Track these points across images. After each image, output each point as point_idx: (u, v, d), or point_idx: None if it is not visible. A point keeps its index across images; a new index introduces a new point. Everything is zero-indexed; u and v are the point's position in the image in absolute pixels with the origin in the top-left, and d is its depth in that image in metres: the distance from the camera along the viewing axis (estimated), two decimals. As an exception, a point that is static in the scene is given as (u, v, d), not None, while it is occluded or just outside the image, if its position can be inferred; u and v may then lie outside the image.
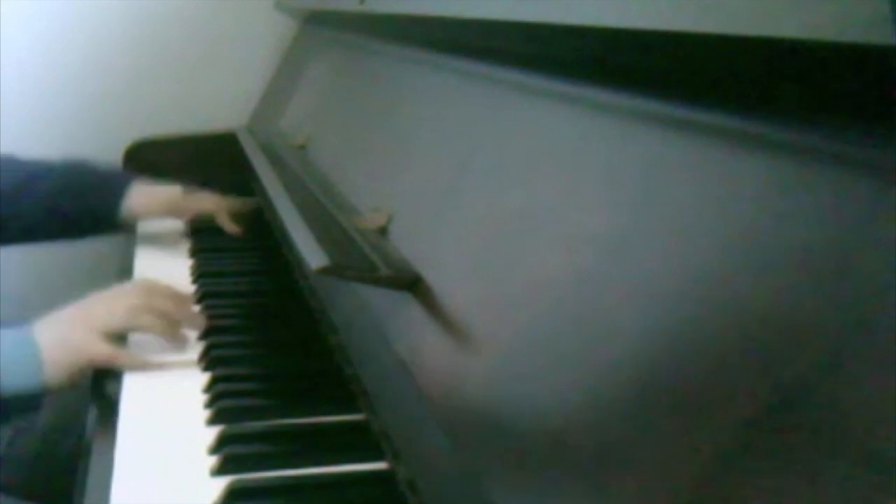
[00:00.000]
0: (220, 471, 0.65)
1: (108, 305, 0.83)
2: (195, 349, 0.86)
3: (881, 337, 0.29)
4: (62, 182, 1.17)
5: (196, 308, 0.95)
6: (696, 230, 0.39)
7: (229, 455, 0.66)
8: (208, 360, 0.83)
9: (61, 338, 0.80)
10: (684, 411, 0.36)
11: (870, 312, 0.29)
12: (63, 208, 1.16)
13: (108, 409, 0.76)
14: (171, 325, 0.85)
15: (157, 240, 1.24)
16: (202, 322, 0.89)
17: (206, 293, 1.02)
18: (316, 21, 1.45)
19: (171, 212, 1.23)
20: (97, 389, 0.81)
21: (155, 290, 0.88)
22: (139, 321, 0.84)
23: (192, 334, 0.88)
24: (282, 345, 0.90)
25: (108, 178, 1.22)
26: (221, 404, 0.75)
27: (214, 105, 1.60)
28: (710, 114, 0.42)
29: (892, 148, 0.31)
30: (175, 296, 0.90)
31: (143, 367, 0.82)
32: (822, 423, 0.30)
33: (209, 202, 1.25)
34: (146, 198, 1.20)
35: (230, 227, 1.23)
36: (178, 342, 0.86)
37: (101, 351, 0.80)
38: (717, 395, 0.34)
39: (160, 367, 0.82)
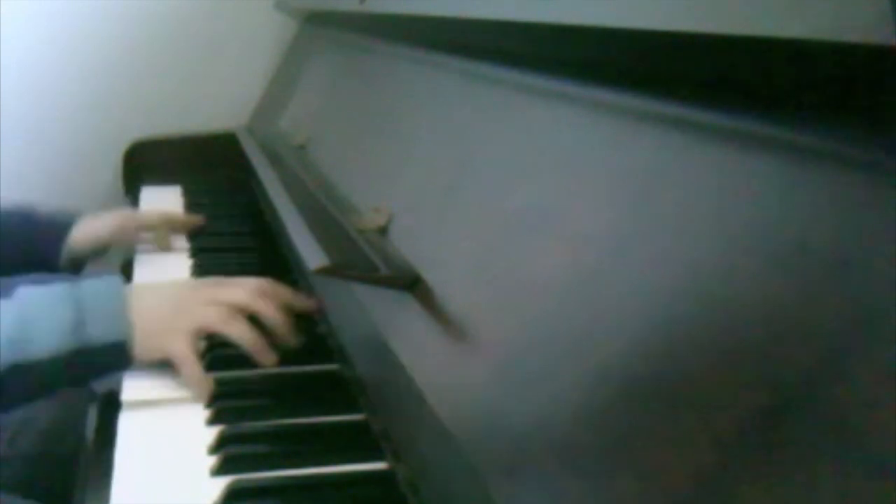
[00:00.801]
0: (220, 471, 0.65)
1: (205, 303, 0.80)
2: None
3: (881, 337, 0.29)
4: (2, 230, 1.12)
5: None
6: (696, 230, 0.39)
7: (229, 455, 0.66)
8: (208, 361, 0.83)
9: (155, 329, 0.78)
10: (684, 411, 0.36)
11: (870, 313, 0.29)
12: (4, 257, 1.11)
13: (109, 409, 0.76)
14: (261, 342, 0.80)
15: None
16: (294, 341, 0.83)
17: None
18: (316, 21, 1.45)
19: (116, 235, 1.17)
20: (97, 389, 0.81)
21: (266, 292, 0.82)
22: (229, 329, 0.79)
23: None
24: (282, 345, 0.90)
25: (50, 222, 1.16)
26: (221, 405, 0.75)
27: (214, 105, 1.60)
28: (710, 114, 0.42)
29: (892, 148, 0.31)
30: (286, 305, 0.84)
31: (201, 384, 0.77)
32: (823, 423, 0.30)
33: (151, 218, 1.21)
34: (87, 229, 1.15)
35: (166, 243, 1.19)
36: (267, 360, 0.80)
37: (179, 353, 0.77)
38: (717, 395, 0.34)
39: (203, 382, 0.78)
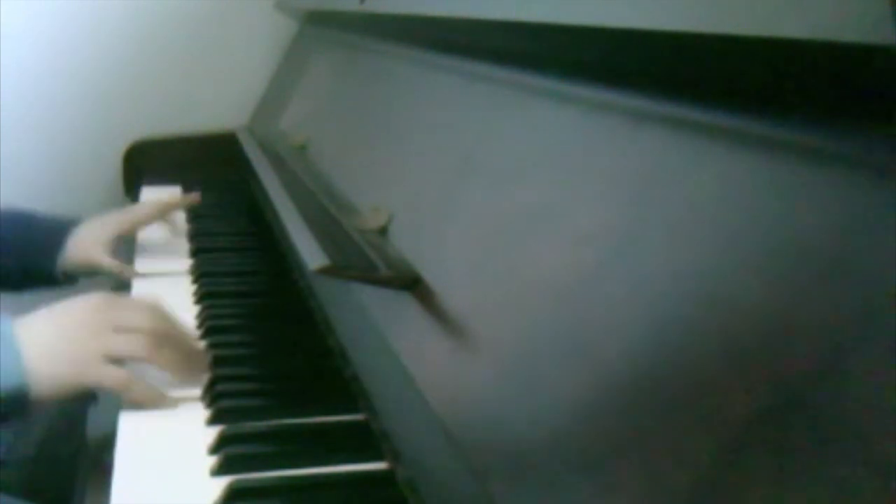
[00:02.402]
0: (220, 471, 0.65)
1: (124, 330, 0.75)
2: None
3: (882, 337, 0.29)
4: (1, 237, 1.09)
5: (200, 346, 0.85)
6: (696, 230, 0.39)
7: (229, 455, 0.66)
8: (208, 361, 0.83)
9: (58, 349, 0.73)
10: (685, 411, 0.36)
11: (870, 313, 0.29)
12: (1, 265, 1.09)
13: (108, 410, 0.76)
14: (187, 363, 0.78)
15: (156, 240, 1.24)
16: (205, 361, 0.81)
17: (206, 293, 1.02)
18: (316, 21, 1.45)
19: (118, 235, 1.13)
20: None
21: (162, 335, 0.78)
22: (159, 357, 0.76)
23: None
24: (282, 345, 0.90)
25: (48, 230, 1.12)
26: (221, 404, 0.75)
27: (214, 105, 1.60)
28: (710, 114, 0.42)
29: (891, 148, 0.31)
30: (183, 333, 0.82)
31: (161, 402, 0.75)
32: (824, 423, 0.30)
33: (148, 211, 1.20)
34: (81, 248, 1.10)
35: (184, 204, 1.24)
36: (192, 379, 0.78)
37: (110, 375, 0.73)
38: (718, 395, 0.34)
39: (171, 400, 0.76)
